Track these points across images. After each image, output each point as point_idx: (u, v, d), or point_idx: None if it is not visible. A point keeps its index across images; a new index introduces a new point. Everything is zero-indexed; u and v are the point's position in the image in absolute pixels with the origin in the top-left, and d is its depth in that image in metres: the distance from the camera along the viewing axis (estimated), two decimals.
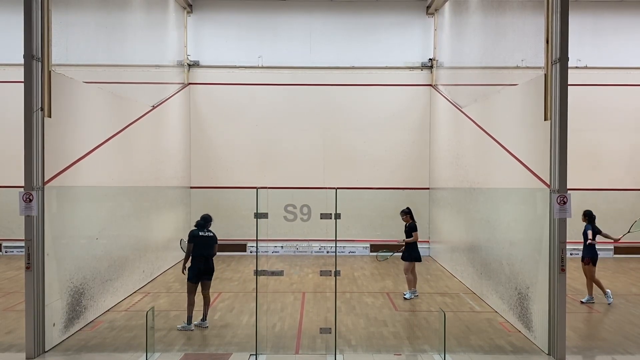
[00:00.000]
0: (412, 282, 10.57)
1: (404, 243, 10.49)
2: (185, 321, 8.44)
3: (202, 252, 8.44)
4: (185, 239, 8.68)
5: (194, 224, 8.72)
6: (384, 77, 15.83)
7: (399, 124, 15.86)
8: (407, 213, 10.57)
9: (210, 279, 8.63)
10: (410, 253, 10.39)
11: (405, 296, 10.47)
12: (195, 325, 8.48)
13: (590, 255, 9.90)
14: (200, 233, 8.51)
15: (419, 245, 10.68)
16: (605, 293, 9.95)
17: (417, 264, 10.64)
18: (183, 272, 8.57)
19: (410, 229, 10.42)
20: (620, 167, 15.42)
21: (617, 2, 15.38)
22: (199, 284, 8.51)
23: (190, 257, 8.52)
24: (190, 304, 8.42)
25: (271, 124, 15.84)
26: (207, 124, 15.88)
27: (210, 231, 8.65)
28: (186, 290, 8.55)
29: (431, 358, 7.20)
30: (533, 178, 7.95)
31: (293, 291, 11.04)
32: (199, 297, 8.53)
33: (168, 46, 14.24)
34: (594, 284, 10.03)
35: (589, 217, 10.08)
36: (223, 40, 15.86)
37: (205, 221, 8.68)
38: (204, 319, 8.56)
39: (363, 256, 15.56)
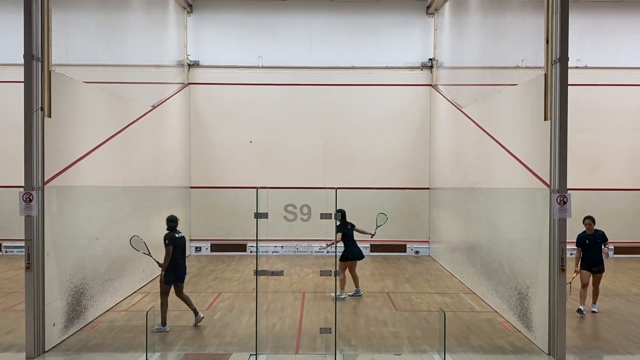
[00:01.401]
0: (343, 282, 10.39)
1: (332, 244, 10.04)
2: (160, 323, 8.30)
3: (181, 253, 8.50)
4: (169, 239, 8.40)
5: (167, 227, 8.50)
6: (384, 77, 15.83)
7: (399, 124, 15.86)
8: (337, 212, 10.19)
9: (184, 281, 8.63)
10: (343, 252, 10.34)
11: (332, 295, 10.10)
12: (194, 326, 8.52)
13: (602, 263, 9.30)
14: (176, 235, 8.48)
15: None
16: (594, 304, 9.45)
17: (359, 263, 10.67)
18: (161, 279, 8.37)
19: (336, 229, 9.73)
20: (620, 167, 15.41)
21: (617, 2, 15.38)
22: (173, 286, 8.47)
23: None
24: (164, 304, 8.35)
25: (271, 124, 15.84)
26: (207, 124, 15.88)
27: (179, 231, 8.65)
28: (160, 292, 8.44)
29: (431, 358, 7.20)
30: (533, 178, 7.95)
31: (293, 291, 11.04)
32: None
33: (168, 46, 14.24)
34: (586, 292, 9.31)
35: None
36: (223, 40, 15.86)
37: (175, 223, 8.58)
38: (196, 313, 8.58)
39: None
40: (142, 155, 11.46)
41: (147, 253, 8.30)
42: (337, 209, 9.79)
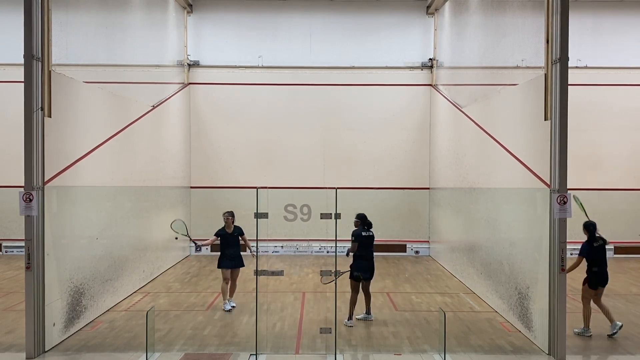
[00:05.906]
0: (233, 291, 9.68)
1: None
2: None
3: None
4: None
5: None
6: (384, 77, 15.82)
7: (399, 124, 15.86)
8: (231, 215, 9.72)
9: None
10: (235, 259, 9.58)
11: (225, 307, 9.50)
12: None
13: None
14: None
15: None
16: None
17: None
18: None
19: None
20: (621, 167, 15.41)
21: (617, 2, 15.38)
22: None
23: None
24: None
25: (271, 124, 15.84)
26: (207, 124, 15.88)
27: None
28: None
29: (431, 358, 7.20)
30: (533, 178, 7.95)
31: (293, 291, 11.04)
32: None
33: (168, 46, 14.24)
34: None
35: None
36: (223, 40, 15.86)
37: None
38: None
39: None
40: (142, 155, 11.46)
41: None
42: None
